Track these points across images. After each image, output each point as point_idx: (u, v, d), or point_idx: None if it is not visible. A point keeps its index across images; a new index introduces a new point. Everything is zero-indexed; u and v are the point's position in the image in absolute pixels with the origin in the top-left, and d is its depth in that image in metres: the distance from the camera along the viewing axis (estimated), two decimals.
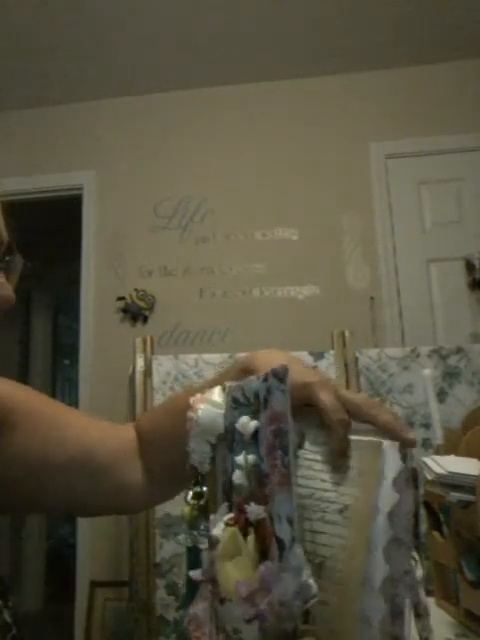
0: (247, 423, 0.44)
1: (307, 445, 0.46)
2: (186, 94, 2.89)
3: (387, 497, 0.39)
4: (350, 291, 2.60)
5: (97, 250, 2.81)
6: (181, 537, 1.70)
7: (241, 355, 0.57)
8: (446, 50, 2.67)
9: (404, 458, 0.40)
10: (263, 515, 0.41)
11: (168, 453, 0.60)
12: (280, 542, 0.40)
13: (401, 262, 2.61)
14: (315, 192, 2.73)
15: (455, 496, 0.76)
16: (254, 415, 0.44)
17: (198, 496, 0.47)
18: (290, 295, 2.63)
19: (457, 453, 0.88)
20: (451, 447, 0.93)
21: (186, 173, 2.82)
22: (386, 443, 0.40)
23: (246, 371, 0.52)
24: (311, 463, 0.44)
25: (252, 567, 0.41)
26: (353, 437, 0.43)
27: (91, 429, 0.63)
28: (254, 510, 0.42)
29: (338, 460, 0.43)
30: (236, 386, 0.47)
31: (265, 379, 0.44)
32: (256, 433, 0.44)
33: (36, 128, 2.97)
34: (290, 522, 0.39)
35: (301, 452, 0.46)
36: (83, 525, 2.54)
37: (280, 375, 0.43)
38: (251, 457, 0.43)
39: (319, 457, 0.44)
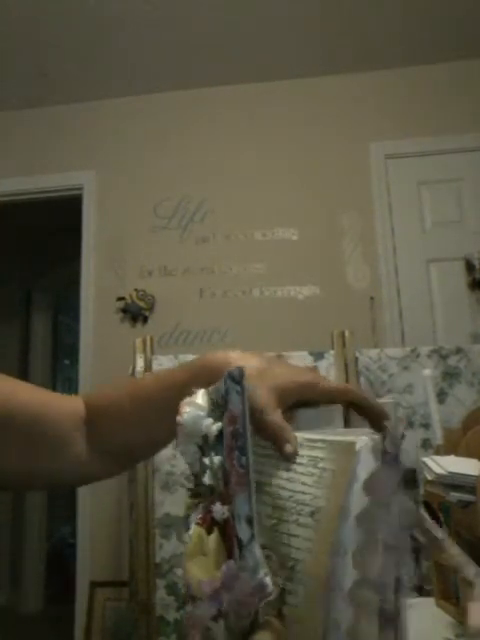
0: (210, 425, 0.45)
1: None
2: (186, 94, 2.89)
3: (358, 499, 0.39)
4: (350, 291, 2.60)
5: (97, 250, 2.81)
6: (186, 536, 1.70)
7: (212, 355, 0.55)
8: (446, 50, 2.67)
9: (396, 459, 0.39)
10: (227, 514, 0.42)
11: (118, 433, 0.61)
12: (239, 541, 0.40)
13: (401, 262, 2.61)
14: (315, 192, 2.73)
15: (455, 496, 0.76)
16: (221, 417, 0.45)
17: (196, 495, 0.48)
18: (290, 295, 2.63)
19: (457, 453, 0.88)
20: (451, 447, 0.93)
21: (186, 173, 2.82)
22: (360, 443, 0.40)
23: (215, 369, 0.52)
24: (294, 466, 0.44)
25: (215, 566, 0.41)
26: (328, 438, 0.43)
27: (36, 399, 0.62)
28: (219, 510, 0.42)
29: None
30: (213, 388, 0.48)
31: (225, 381, 0.45)
32: (221, 434, 0.45)
33: (36, 128, 2.97)
34: (249, 522, 0.40)
35: None
36: (83, 525, 2.54)
37: (235, 377, 0.43)
38: (217, 458, 0.44)
39: (304, 460, 0.44)
